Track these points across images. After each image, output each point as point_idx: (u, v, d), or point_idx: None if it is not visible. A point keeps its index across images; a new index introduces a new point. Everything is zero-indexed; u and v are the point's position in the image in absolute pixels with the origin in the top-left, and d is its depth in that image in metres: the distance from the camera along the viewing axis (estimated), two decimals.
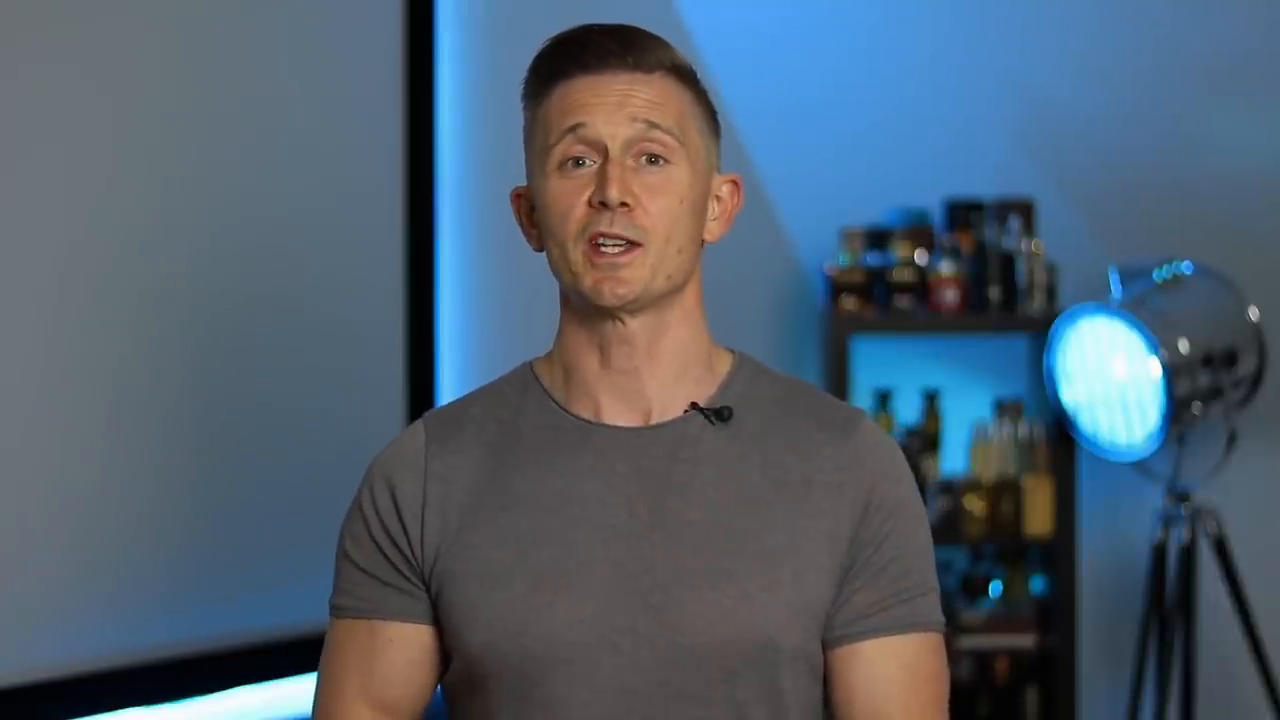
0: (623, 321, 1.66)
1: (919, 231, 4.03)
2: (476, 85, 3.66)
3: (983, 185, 4.04)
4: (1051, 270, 3.98)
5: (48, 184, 2.88)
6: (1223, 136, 3.92)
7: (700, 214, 1.69)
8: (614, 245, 1.62)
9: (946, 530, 4.01)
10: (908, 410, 4.11)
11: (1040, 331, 3.93)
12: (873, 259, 4.01)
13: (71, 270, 2.91)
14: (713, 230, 1.73)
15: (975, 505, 4.00)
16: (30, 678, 2.83)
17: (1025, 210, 3.99)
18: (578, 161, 1.64)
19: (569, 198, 1.64)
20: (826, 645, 1.67)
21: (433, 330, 3.56)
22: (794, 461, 1.67)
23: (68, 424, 2.89)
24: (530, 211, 1.70)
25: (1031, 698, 4.04)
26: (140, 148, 3.01)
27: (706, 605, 1.61)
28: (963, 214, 4.04)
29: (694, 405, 1.69)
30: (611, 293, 1.63)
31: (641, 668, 1.61)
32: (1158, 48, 3.82)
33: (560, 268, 1.66)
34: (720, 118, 1.75)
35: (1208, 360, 3.74)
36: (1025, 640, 4.05)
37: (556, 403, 1.71)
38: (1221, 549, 3.75)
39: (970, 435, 4.07)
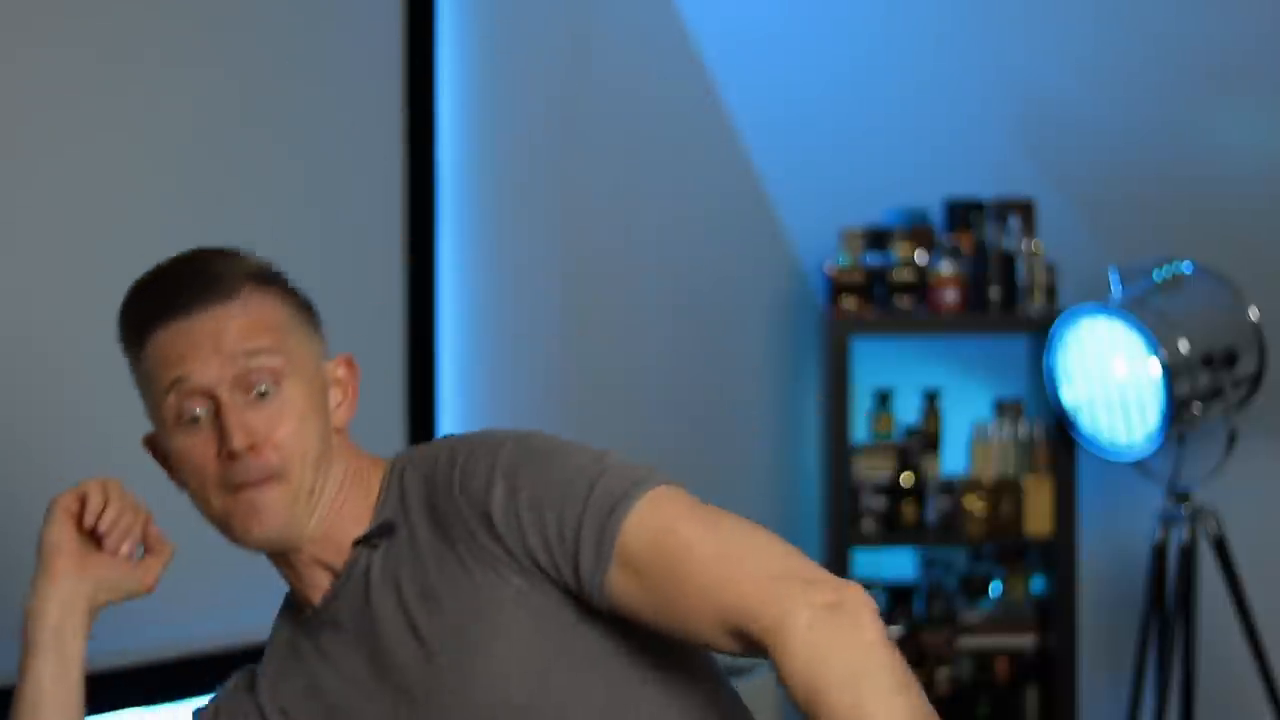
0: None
1: (919, 231, 4.03)
2: (476, 85, 3.66)
3: (982, 185, 4.04)
4: (1051, 270, 3.98)
5: (42, 180, 2.88)
6: (1223, 136, 3.92)
7: (323, 414, 1.70)
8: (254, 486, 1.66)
9: (946, 530, 4.01)
10: (908, 410, 4.11)
11: (1040, 331, 3.93)
12: (873, 259, 4.01)
13: (65, 265, 2.91)
14: (340, 416, 1.74)
15: (975, 505, 4.00)
16: None
17: (1025, 210, 3.99)
18: (194, 416, 1.65)
19: (197, 452, 1.66)
20: (602, 599, 1.61)
21: (433, 330, 3.56)
22: (443, 536, 1.67)
23: (69, 422, 2.89)
24: (167, 457, 1.73)
25: (1031, 698, 4.05)
26: (137, 146, 3.01)
27: (448, 712, 1.64)
28: (963, 214, 4.04)
29: (355, 542, 1.71)
30: (259, 527, 1.67)
31: None
32: (1158, 48, 3.82)
33: (208, 516, 1.70)
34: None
35: (1208, 360, 3.74)
36: (1025, 640, 4.05)
37: (296, 603, 1.78)
38: (1221, 549, 3.75)
39: (970, 435, 4.07)
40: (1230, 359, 3.76)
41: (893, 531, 4.02)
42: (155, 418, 1.69)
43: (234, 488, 1.65)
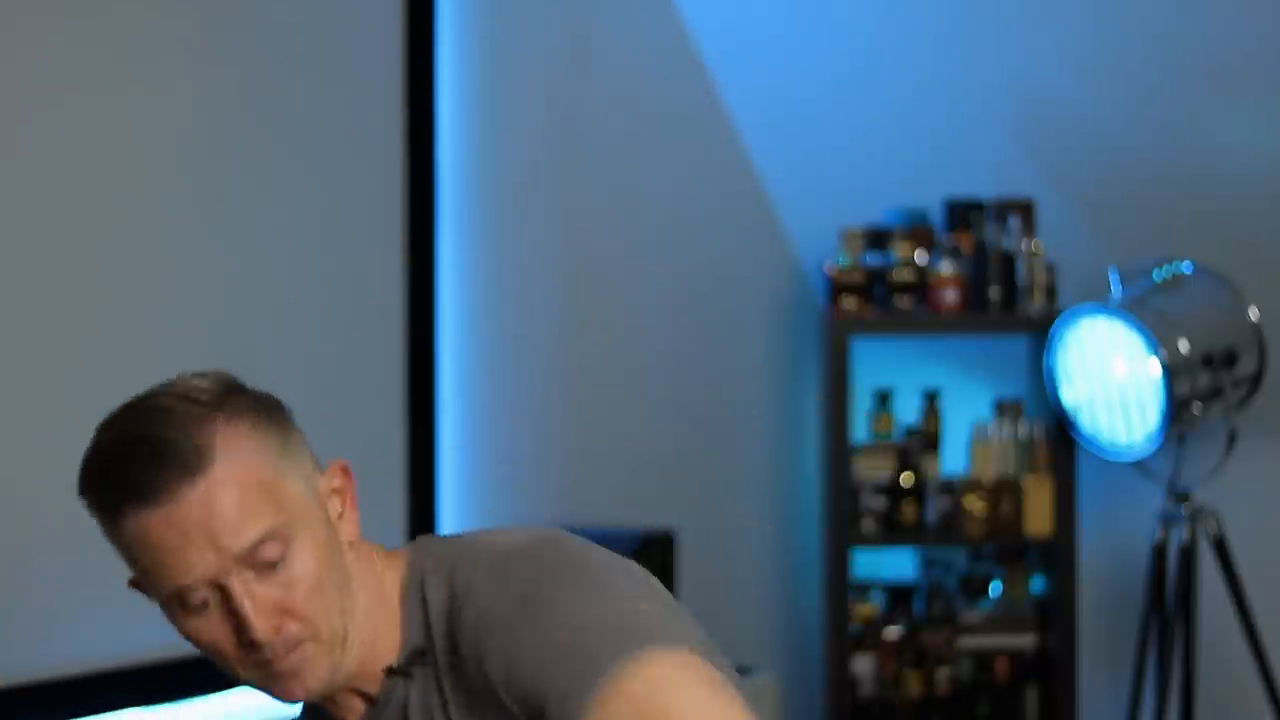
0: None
1: (919, 231, 4.03)
2: (476, 85, 3.66)
3: (983, 185, 4.04)
4: (1051, 270, 3.98)
5: (42, 180, 2.88)
6: (1223, 136, 3.92)
7: (336, 548, 1.55)
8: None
9: (946, 530, 4.01)
10: (908, 410, 4.11)
11: (1040, 331, 3.93)
12: (873, 259, 4.01)
13: (65, 264, 2.91)
14: (348, 529, 1.57)
15: (975, 505, 4.00)
16: (30, 678, 2.83)
17: (1025, 210, 3.99)
18: (202, 602, 1.49)
19: (212, 636, 1.51)
20: None
21: (433, 330, 3.56)
22: (460, 670, 1.55)
23: (68, 424, 2.89)
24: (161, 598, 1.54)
25: (1031, 698, 4.04)
26: (137, 146, 3.01)
27: None
28: (963, 214, 4.04)
29: (388, 671, 1.58)
30: (302, 689, 1.54)
31: None
32: (1158, 48, 3.82)
33: (240, 681, 1.56)
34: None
35: (1208, 360, 3.73)
36: (1025, 640, 4.05)
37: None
38: (1221, 549, 3.75)
39: (970, 435, 4.07)
40: (1230, 359, 3.76)
41: (893, 531, 4.02)
42: (149, 592, 1.54)
43: (263, 665, 1.51)
